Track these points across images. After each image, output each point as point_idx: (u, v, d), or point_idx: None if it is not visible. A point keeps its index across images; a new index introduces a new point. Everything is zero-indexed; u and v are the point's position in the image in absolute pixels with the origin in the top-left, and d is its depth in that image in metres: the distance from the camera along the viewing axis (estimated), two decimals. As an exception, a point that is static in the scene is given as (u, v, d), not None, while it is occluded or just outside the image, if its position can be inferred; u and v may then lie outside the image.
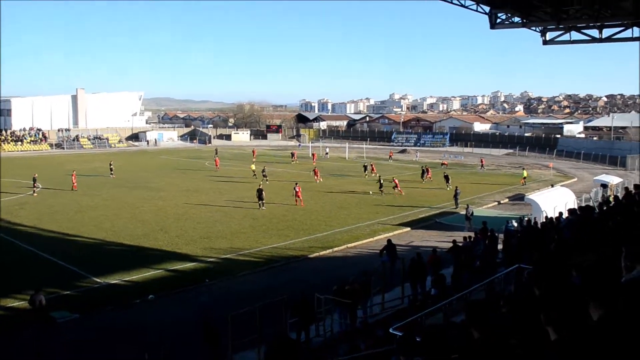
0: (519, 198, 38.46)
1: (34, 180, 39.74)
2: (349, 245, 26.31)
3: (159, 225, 29.45)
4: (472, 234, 22.79)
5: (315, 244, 26.19)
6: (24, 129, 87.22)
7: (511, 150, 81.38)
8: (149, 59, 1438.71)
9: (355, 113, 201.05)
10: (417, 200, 38.04)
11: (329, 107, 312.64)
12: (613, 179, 37.88)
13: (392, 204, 36.77)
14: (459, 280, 16.53)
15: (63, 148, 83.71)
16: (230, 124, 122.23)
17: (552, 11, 17.71)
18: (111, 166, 50.48)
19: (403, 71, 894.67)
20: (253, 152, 69.48)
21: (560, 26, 18.49)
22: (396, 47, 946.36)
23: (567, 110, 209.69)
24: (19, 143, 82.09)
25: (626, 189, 18.65)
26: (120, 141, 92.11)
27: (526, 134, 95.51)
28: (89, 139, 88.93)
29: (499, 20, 18.51)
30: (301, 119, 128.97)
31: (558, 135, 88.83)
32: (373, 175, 48.88)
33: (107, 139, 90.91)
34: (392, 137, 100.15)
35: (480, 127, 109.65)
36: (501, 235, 22.33)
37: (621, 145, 73.96)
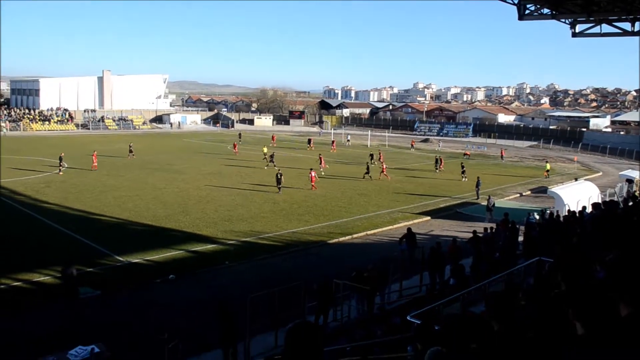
0: (541, 191, 38.01)
1: (60, 159, 40.48)
2: (369, 232, 26.35)
3: (181, 207, 29.81)
4: (493, 225, 22.66)
5: (334, 229, 26.27)
6: (51, 109, 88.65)
7: (535, 143, 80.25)
8: (175, 43, 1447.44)
9: (378, 101, 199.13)
10: (437, 190, 37.85)
11: (352, 94, 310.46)
12: (639, 175, 37.08)
13: (414, 192, 36.65)
14: (478, 271, 16.47)
15: (88, 128, 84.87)
16: (253, 109, 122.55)
17: (583, 3, 17.26)
18: (131, 147, 51.03)
19: (427, 61, 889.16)
20: (272, 137, 69.58)
21: (591, 18, 18.04)
22: (421, 37, 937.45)
23: (594, 104, 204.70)
24: (46, 122, 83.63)
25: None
26: (144, 123, 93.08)
27: (551, 127, 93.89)
28: (114, 120, 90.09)
29: (527, 12, 18.10)
30: (324, 106, 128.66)
31: (584, 129, 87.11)
32: (376, 164, 46.90)
33: (132, 120, 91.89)
34: (415, 126, 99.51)
35: (504, 118, 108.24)
36: (522, 227, 22.14)
37: (649, 140, 72.34)
